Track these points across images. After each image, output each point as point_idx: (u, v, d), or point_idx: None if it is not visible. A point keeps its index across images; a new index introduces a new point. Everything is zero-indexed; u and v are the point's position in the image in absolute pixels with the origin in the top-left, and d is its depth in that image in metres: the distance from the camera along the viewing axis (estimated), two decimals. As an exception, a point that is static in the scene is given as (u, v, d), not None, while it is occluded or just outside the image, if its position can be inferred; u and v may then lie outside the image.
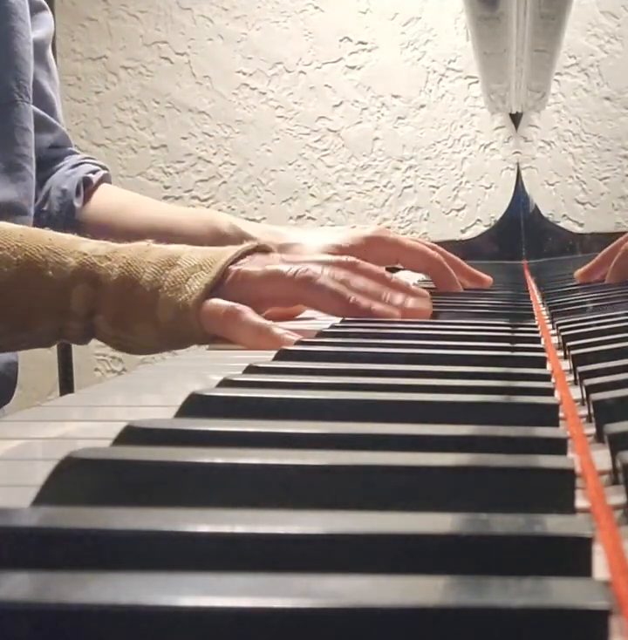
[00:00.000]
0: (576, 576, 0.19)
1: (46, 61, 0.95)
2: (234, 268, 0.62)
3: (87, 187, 0.94)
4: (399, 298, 0.66)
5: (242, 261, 0.63)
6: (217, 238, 0.86)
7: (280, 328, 0.58)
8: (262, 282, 0.61)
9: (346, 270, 0.65)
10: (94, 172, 0.96)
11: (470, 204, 2.13)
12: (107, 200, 0.95)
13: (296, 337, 0.57)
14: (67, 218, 0.91)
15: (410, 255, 0.85)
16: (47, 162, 0.95)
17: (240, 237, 0.84)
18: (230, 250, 0.63)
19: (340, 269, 0.65)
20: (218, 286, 0.61)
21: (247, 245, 0.65)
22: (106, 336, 0.63)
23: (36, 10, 0.91)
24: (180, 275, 0.61)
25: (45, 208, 0.92)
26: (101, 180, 0.97)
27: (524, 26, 1.23)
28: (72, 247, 0.62)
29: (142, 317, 0.61)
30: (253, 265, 0.63)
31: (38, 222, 0.91)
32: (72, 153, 1.00)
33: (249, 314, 0.59)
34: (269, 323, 0.59)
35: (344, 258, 0.66)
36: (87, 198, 0.94)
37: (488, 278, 0.93)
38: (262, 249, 0.66)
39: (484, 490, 0.24)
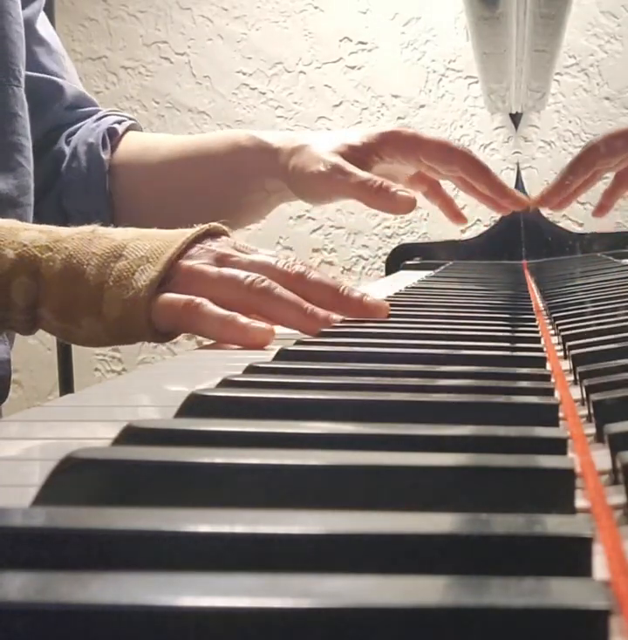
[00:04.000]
0: (576, 576, 0.19)
1: (38, 36, 0.92)
2: (186, 263, 0.60)
3: (113, 138, 0.93)
4: (356, 293, 0.64)
5: (191, 251, 0.61)
6: (238, 150, 0.85)
7: (245, 318, 0.57)
8: (217, 285, 0.59)
9: (293, 282, 0.62)
10: (120, 122, 0.94)
11: (470, 204, 2.12)
12: (131, 146, 0.93)
13: (262, 326, 0.56)
14: (97, 171, 0.90)
15: (431, 148, 0.81)
16: (69, 123, 0.94)
17: (257, 146, 0.84)
18: (179, 238, 0.61)
19: (287, 280, 0.62)
20: (166, 280, 0.59)
21: (196, 230, 0.62)
22: (52, 327, 0.61)
23: None
24: (126, 268, 0.59)
25: (74, 165, 0.90)
26: (128, 130, 0.95)
27: (524, 26, 1.23)
28: (11, 237, 0.60)
29: (88, 312, 0.59)
30: (205, 259, 0.61)
31: (70, 178, 0.90)
32: (97, 110, 0.98)
33: (211, 305, 0.57)
34: (233, 313, 0.57)
35: (294, 268, 0.63)
36: (114, 148, 0.92)
37: (528, 200, 0.87)
38: (212, 233, 0.64)
39: (484, 490, 0.24)
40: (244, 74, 2.16)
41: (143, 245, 0.60)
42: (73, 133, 0.93)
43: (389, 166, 0.85)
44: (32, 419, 0.39)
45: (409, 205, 0.69)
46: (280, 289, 0.60)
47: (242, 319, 0.57)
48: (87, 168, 0.90)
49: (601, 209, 0.90)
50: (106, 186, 0.90)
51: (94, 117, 0.95)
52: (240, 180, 0.83)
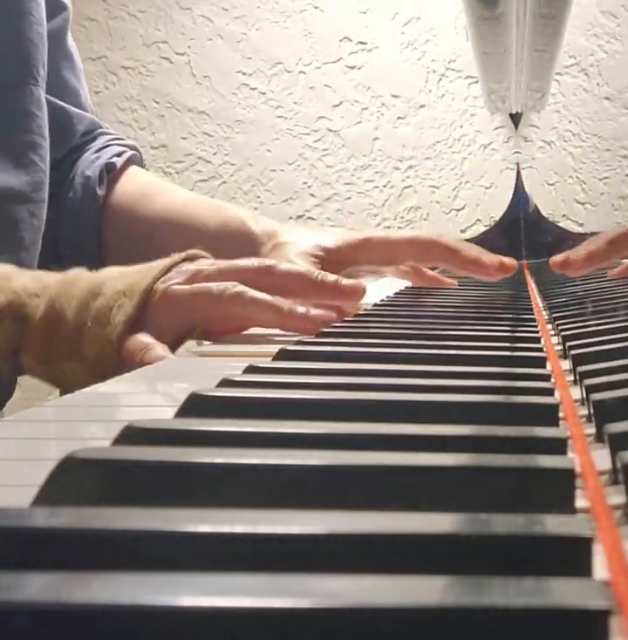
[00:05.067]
0: (575, 576, 0.19)
1: (65, 49, 0.92)
2: (160, 286, 0.60)
3: (111, 173, 0.92)
4: (330, 277, 0.64)
5: (168, 276, 0.62)
6: (224, 231, 0.85)
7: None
8: (190, 302, 0.60)
9: (263, 276, 0.63)
10: (120, 154, 0.94)
11: (470, 204, 2.13)
12: (129, 188, 0.93)
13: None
14: (90, 206, 0.90)
15: (402, 249, 0.82)
16: (79, 148, 0.94)
17: (243, 235, 0.83)
18: (155, 268, 0.61)
19: (257, 275, 0.63)
20: (144, 311, 0.59)
21: (174, 257, 0.63)
22: (37, 373, 0.62)
23: None
24: (104, 305, 0.59)
25: (70, 195, 0.91)
26: (128, 162, 0.94)
27: (524, 26, 1.23)
28: (4, 283, 0.61)
29: (68, 356, 0.60)
30: (180, 278, 0.61)
31: (65, 208, 0.90)
32: (103, 134, 0.97)
33: (158, 349, 0.57)
34: (152, 344, 0.58)
35: (262, 263, 0.64)
36: (112, 183, 0.92)
37: (510, 263, 0.86)
38: (191, 257, 0.64)
39: (484, 490, 0.24)
40: (244, 74, 2.16)
41: (121, 281, 0.61)
42: (76, 160, 0.93)
43: (371, 269, 0.86)
44: (32, 419, 0.39)
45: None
46: (253, 293, 0.60)
47: (160, 351, 0.57)
48: (81, 202, 0.90)
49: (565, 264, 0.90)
50: (98, 221, 0.90)
51: (96, 145, 0.94)
52: (218, 256, 0.83)
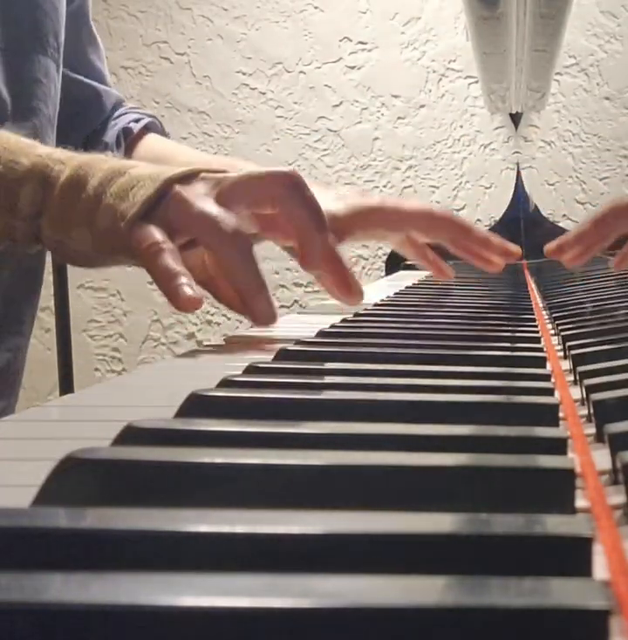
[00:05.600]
0: (576, 576, 0.19)
1: (89, 31, 0.94)
2: (179, 188, 0.59)
3: (129, 137, 0.93)
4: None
5: (195, 180, 0.60)
6: None
7: (190, 285, 0.56)
8: (193, 221, 0.58)
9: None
10: (137, 120, 0.94)
11: (470, 204, 2.13)
12: (147, 152, 0.93)
13: (195, 295, 0.56)
14: None
15: (415, 219, 0.80)
16: (108, 121, 0.95)
17: None
18: (186, 167, 0.61)
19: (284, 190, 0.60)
20: (161, 200, 0.59)
21: (204, 165, 0.62)
22: (49, 239, 0.61)
23: None
24: (126, 182, 0.59)
25: None
26: (146, 129, 0.95)
27: (524, 26, 1.23)
28: (30, 149, 0.62)
29: (81, 222, 0.60)
30: (200, 187, 0.60)
31: None
32: (125, 107, 0.98)
33: (169, 258, 0.57)
34: (181, 269, 0.57)
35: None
36: (130, 148, 0.92)
37: (516, 249, 0.86)
38: (220, 171, 0.62)
39: (484, 490, 0.24)
40: (244, 74, 2.16)
41: (148, 167, 0.61)
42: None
43: (380, 238, 0.85)
44: (32, 419, 0.39)
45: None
46: (241, 254, 0.58)
47: (184, 281, 0.56)
48: None
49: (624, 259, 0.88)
50: None
51: (115, 115, 0.95)
52: None
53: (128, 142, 0.93)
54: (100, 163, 0.61)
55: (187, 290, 0.56)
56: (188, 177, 0.60)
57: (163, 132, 0.99)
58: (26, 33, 0.82)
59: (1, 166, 0.60)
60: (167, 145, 0.97)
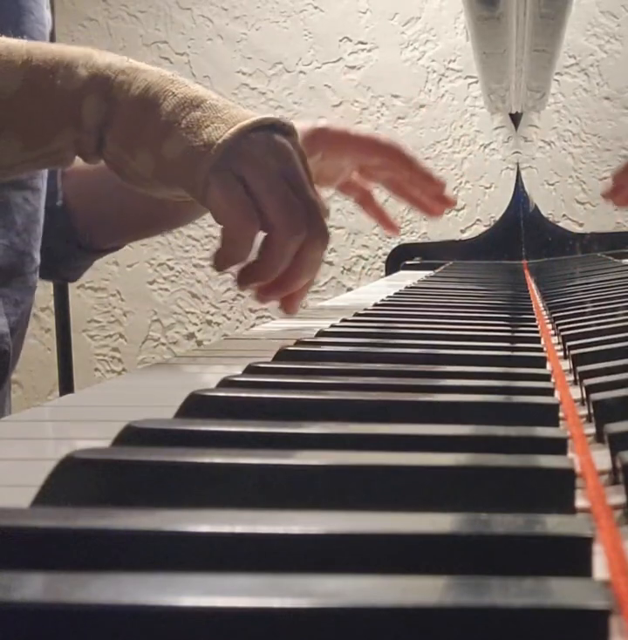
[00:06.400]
0: (575, 576, 0.19)
1: None
2: (252, 147, 0.58)
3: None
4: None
5: (260, 139, 0.59)
6: None
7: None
8: (262, 191, 0.57)
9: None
10: None
11: (470, 204, 2.13)
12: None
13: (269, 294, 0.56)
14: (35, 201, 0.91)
15: (359, 141, 0.80)
16: None
17: None
18: (253, 115, 0.59)
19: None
20: (234, 148, 0.58)
21: (276, 118, 0.60)
22: (111, 155, 0.60)
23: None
24: (201, 118, 0.58)
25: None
26: None
27: (524, 26, 1.23)
28: (85, 59, 0.61)
29: (148, 144, 0.58)
30: (269, 157, 0.58)
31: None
32: None
33: (252, 233, 0.56)
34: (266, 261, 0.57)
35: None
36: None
37: (452, 198, 0.88)
38: (287, 129, 0.61)
39: (484, 490, 0.24)
40: (244, 74, 2.16)
41: (222, 105, 0.59)
42: None
43: (322, 166, 0.85)
44: (32, 419, 0.39)
45: None
46: (290, 239, 0.57)
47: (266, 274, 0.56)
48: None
49: (616, 191, 0.88)
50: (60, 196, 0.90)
51: None
52: None
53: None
54: (169, 85, 0.60)
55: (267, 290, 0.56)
56: (261, 127, 0.59)
57: None
58: None
59: (59, 80, 0.59)
60: None
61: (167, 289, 2.19)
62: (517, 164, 1.83)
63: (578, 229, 1.98)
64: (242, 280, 0.58)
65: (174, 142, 0.58)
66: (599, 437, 0.32)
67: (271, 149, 0.59)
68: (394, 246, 1.71)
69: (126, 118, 0.59)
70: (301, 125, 0.79)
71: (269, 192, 0.57)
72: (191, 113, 0.58)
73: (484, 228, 1.96)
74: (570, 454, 0.29)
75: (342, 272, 2.14)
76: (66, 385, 1.76)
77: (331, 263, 2.13)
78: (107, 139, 0.60)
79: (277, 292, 0.59)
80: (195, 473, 0.25)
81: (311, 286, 0.61)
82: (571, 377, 0.44)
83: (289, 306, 0.61)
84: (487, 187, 2.12)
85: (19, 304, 0.80)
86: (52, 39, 0.96)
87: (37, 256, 0.82)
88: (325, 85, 2.15)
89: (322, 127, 0.81)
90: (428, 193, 0.87)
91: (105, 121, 0.59)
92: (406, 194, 0.88)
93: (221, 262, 0.57)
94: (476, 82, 2.05)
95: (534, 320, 0.66)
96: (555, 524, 0.21)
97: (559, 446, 0.28)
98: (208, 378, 0.39)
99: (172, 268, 2.18)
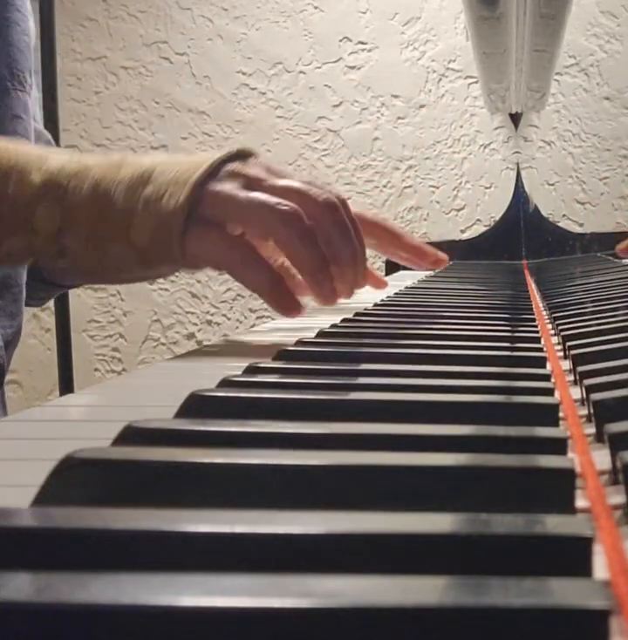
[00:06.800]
0: (576, 576, 0.19)
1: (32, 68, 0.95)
2: (214, 187, 0.58)
3: None
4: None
5: (220, 174, 0.59)
6: None
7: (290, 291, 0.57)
8: (245, 210, 0.58)
9: (325, 212, 0.60)
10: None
11: (470, 204, 2.13)
12: None
13: (298, 300, 0.56)
14: None
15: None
16: None
17: None
18: (206, 161, 0.59)
19: (321, 212, 0.60)
20: (195, 205, 0.58)
21: (224, 153, 0.61)
22: (81, 257, 0.60)
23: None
24: (154, 193, 0.58)
25: None
26: None
27: (524, 26, 1.23)
28: (39, 163, 0.60)
29: (116, 239, 0.59)
30: (235, 183, 0.59)
31: None
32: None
33: (257, 254, 0.57)
34: (279, 277, 0.57)
35: (330, 198, 0.61)
36: None
37: (441, 256, 0.90)
38: (241, 155, 0.62)
39: (484, 490, 0.24)
40: (244, 74, 2.16)
41: (171, 168, 0.59)
42: None
43: None
44: (32, 419, 0.39)
45: None
46: (304, 227, 0.58)
47: (284, 287, 0.57)
48: None
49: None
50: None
51: None
52: None
53: None
54: (117, 174, 0.60)
55: (291, 299, 0.57)
56: (213, 173, 0.59)
57: None
58: (4, 70, 0.84)
59: (11, 187, 0.59)
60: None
61: (167, 289, 2.19)
62: (517, 164, 1.83)
63: (578, 229, 1.98)
64: (320, 295, 0.59)
65: (138, 229, 0.58)
66: (599, 437, 0.32)
67: (230, 179, 0.59)
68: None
69: (83, 220, 0.59)
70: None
71: (249, 214, 0.58)
72: (144, 192, 0.58)
73: (484, 228, 1.96)
74: (570, 454, 0.29)
75: (342, 272, 2.14)
76: (66, 385, 1.76)
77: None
78: (67, 243, 0.60)
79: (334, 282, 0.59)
80: (195, 473, 0.25)
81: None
82: (571, 377, 0.44)
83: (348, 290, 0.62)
84: (487, 187, 2.12)
85: (14, 316, 0.80)
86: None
87: None
88: (325, 85, 2.15)
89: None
90: (420, 260, 0.89)
91: (61, 228, 0.59)
92: (394, 256, 0.89)
93: (274, 301, 0.58)
94: (476, 82, 2.05)
95: (534, 320, 0.66)
96: (555, 524, 0.21)
97: (559, 446, 0.28)
98: (208, 378, 0.39)
99: (172, 268, 2.18)
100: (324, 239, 0.59)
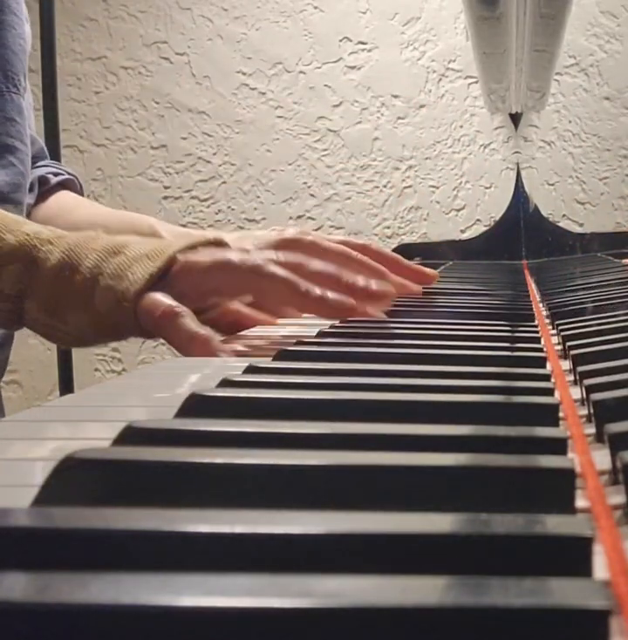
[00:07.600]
0: (576, 576, 0.19)
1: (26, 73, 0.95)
2: (182, 257, 0.59)
3: (44, 186, 0.93)
4: (361, 281, 0.63)
5: (191, 252, 0.60)
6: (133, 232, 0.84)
7: (215, 337, 0.56)
8: (209, 272, 0.59)
9: (303, 252, 0.62)
10: (56, 174, 0.95)
11: (470, 204, 2.12)
12: (51, 206, 0.93)
13: (229, 349, 0.55)
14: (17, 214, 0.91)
15: (330, 258, 0.76)
16: None
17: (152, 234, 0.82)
18: (182, 241, 0.61)
19: (296, 253, 0.61)
20: (164, 276, 0.58)
21: (200, 238, 0.62)
22: (36, 322, 0.60)
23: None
24: (124, 263, 0.58)
25: None
26: (63, 184, 0.95)
27: (524, 26, 1.23)
28: (16, 226, 0.61)
29: (77, 306, 0.59)
30: (202, 256, 0.60)
31: None
32: (42, 157, 0.99)
33: (187, 318, 0.56)
34: (204, 330, 0.56)
35: (306, 237, 0.63)
36: (43, 198, 0.93)
37: (433, 273, 0.87)
38: (217, 243, 0.63)
39: (484, 490, 0.24)
40: (244, 74, 2.16)
41: (145, 245, 0.60)
42: None
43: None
44: (32, 419, 0.39)
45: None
46: (273, 267, 0.59)
47: (213, 338, 0.56)
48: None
49: None
50: None
51: (37, 163, 0.95)
52: None
53: (42, 191, 0.93)
54: (91, 243, 0.60)
55: (221, 347, 0.56)
56: (189, 249, 0.60)
57: (81, 193, 0.98)
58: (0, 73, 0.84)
59: None
60: (72, 198, 0.96)
61: (167, 289, 2.18)
62: (517, 164, 1.83)
63: (578, 229, 1.98)
64: (329, 312, 0.60)
65: (102, 295, 0.58)
66: (599, 437, 0.32)
67: (198, 254, 0.60)
68: (394, 246, 1.71)
69: (47, 286, 0.59)
70: (268, 237, 0.77)
71: (213, 276, 0.59)
72: (113, 261, 0.59)
73: (484, 228, 1.96)
74: (570, 454, 0.29)
75: (342, 272, 2.14)
76: (66, 385, 1.76)
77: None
78: (30, 309, 0.60)
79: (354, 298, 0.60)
80: (195, 473, 0.25)
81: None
82: (571, 377, 0.44)
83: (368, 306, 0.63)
84: (487, 187, 2.12)
85: None
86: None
87: None
88: (325, 85, 2.15)
89: (292, 239, 0.77)
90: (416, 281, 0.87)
91: (24, 291, 0.59)
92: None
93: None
94: (476, 82, 2.05)
95: (534, 320, 0.66)
96: (555, 524, 0.21)
97: (559, 446, 0.28)
98: (209, 378, 0.39)
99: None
100: (291, 267, 0.60)
